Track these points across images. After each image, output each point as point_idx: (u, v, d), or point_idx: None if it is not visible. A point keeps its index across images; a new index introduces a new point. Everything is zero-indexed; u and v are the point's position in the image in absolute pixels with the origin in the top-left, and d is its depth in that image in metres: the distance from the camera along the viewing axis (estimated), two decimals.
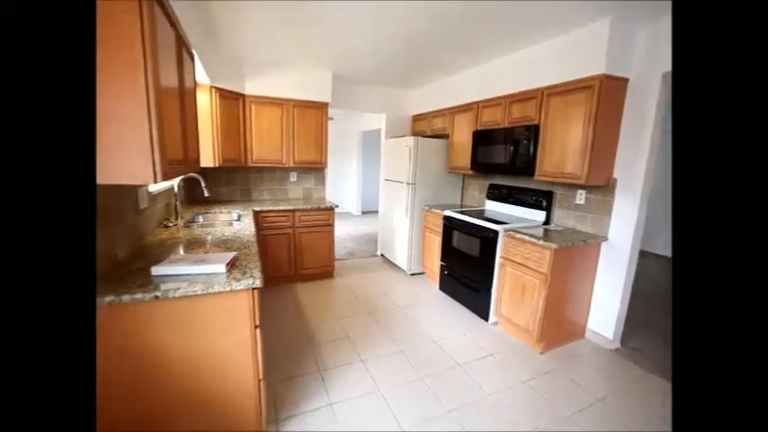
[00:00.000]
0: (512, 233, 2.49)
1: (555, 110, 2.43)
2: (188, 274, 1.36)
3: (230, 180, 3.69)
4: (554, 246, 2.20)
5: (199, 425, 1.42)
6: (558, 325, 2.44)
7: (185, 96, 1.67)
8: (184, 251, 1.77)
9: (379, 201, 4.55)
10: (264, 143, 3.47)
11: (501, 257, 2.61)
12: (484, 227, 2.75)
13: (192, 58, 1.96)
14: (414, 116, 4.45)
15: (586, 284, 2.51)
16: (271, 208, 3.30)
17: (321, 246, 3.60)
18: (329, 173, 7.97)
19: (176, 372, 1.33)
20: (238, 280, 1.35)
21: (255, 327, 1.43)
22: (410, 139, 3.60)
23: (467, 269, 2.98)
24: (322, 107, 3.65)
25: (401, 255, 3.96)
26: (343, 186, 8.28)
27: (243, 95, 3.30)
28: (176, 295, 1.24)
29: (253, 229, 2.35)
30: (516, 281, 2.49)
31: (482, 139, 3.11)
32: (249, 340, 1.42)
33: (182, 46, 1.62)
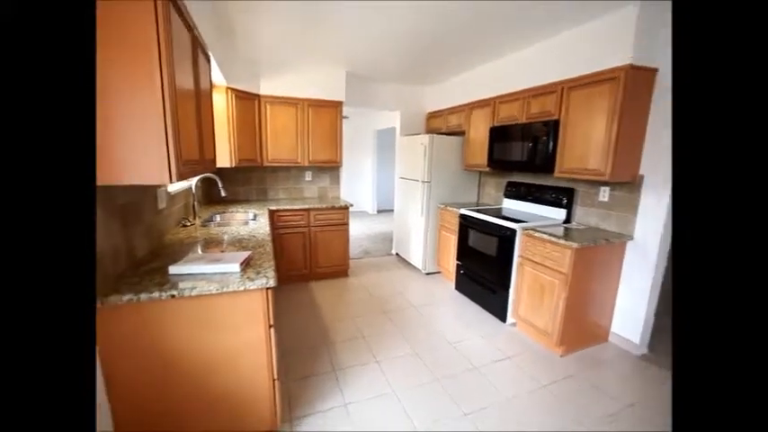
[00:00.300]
0: (530, 232, 2.41)
1: (576, 104, 2.32)
2: (203, 273, 1.38)
3: (246, 180, 3.74)
4: (575, 245, 2.11)
5: (213, 424, 1.44)
6: (580, 327, 2.34)
7: (201, 97, 1.69)
8: (201, 250, 1.79)
9: (395, 199, 4.52)
10: (279, 143, 3.49)
11: (519, 257, 2.54)
12: (501, 225, 2.68)
13: (208, 59, 1.99)
14: (429, 113, 4.39)
15: (610, 285, 2.40)
16: (286, 207, 3.32)
17: (336, 245, 3.61)
18: (344, 172, 8.01)
19: (191, 370, 1.35)
20: (252, 280, 1.35)
21: (270, 326, 1.43)
22: (425, 137, 3.55)
23: (484, 269, 2.92)
24: (336, 106, 3.65)
25: (416, 254, 3.92)
26: (358, 185, 8.29)
27: (258, 96, 3.33)
28: (192, 294, 1.26)
29: (267, 228, 2.37)
30: (535, 281, 2.41)
31: (499, 135, 3.03)
32: (263, 339, 1.43)
33: (197, 47, 1.63)
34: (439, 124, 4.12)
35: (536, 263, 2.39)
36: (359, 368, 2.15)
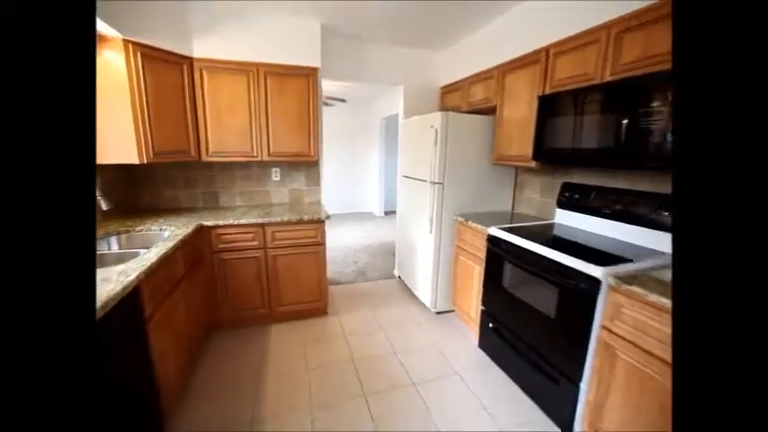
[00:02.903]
0: (635, 288, 1.23)
1: None
2: None
3: (190, 181, 2.72)
4: None
5: None
6: None
7: None
8: None
9: (397, 205, 3.39)
10: (224, 128, 2.44)
11: (604, 329, 1.37)
12: (569, 267, 1.50)
13: None
14: (443, 87, 3.21)
15: None
16: (229, 222, 2.27)
17: (307, 273, 2.54)
18: (345, 167, 6.92)
19: None
20: None
21: None
22: (436, 117, 2.40)
23: (531, 333, 1.76)
24: (308, 75, 2.55)
25: (423, 284, 2.79)
26: (363, 182, 7.20)
27: (189, 59, 2.28)
28: None
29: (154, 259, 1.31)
30: (636, 378, 1.24)
31: (555, 108, 1.84)
32: None
33: None
34: (457, 101, 2.94)
35: (642, 350, 1.22)
36: None
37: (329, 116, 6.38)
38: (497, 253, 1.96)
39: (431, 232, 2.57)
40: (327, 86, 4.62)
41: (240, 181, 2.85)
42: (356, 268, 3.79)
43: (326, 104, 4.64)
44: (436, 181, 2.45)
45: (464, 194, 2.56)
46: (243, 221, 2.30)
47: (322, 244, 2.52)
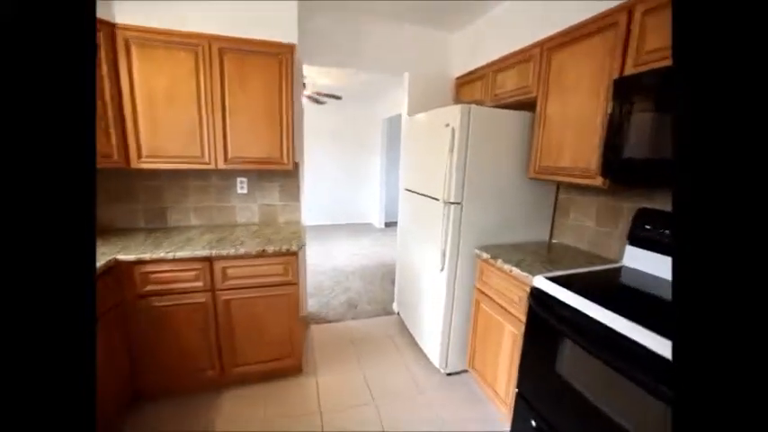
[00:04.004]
0: None
1: None
2: None
3: (129, 193, 2.08)
4: None
5: None
6: None
7: None
8: None
9: (398, 222, 2.73)
10: (162, 124, 1.79)
11: None
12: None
13: None
14: (459, 78, 2.55)
15: None
16: (159, 256, 1.61)
17: (273, 321, 1.87)
18: (344, 172, 6.26)
19: None
20: None
21: None
22: (454, 111, 1.73)
23: None
24: (280, 54, 1.89)
25: (430, 335, 2.11)
26: (362, 191, 6.54)
27: (109, 25, 1.64)
28: None
29: None
30: None
31: (642, 96, 1.17)
32: None
33: None
34: (478, 95, 2.27)
35: None
36: None
37: (322, 115, 5.76)
38: (547, 320, 1.27)
39: (442, 270, 1.89)
40: (315, 78, 3.98)
41: (195, 194, 2.20)
42: (346, 299, 3.11)
43: (317, 102, 4.00)
44: (452, 201, 1.78)
45: (489, 218, 1.88)
46: (181, 254, 1.64)
47: (294, 283, 1.85)
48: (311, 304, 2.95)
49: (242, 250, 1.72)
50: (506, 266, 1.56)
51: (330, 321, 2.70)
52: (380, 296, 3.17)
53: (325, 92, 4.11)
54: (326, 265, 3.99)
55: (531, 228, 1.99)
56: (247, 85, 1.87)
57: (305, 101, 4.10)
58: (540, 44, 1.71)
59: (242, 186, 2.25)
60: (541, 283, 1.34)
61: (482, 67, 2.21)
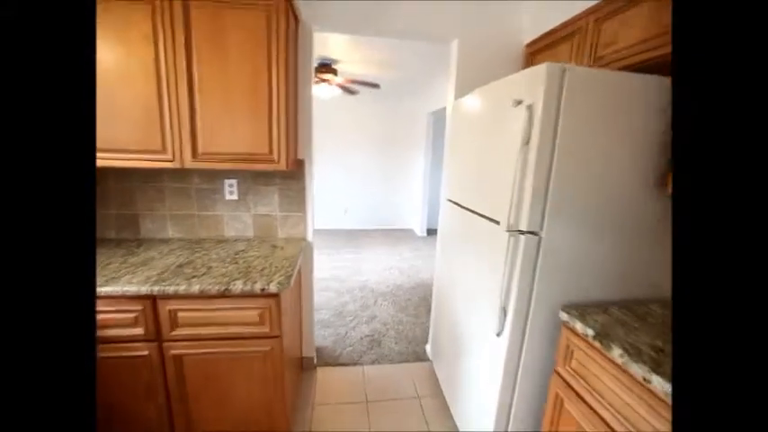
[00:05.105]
0: None
1: None
2: None
3: (101, 195, 1.67)
4: None
5: None
6: None
7: None
8: None
9: (437, 248, 2.04)
10: (107, 106, 1.31)
11: None
12: None
13: None
14: (532, 43, 1.78)
15: None
16: None
17: (243, 388, 1.31)
18: (380, 173, 5.64)
19: None
20: None
21: None
22: (535, 76, 1.02)
23: None
24: (270, 5, 1.32)
25: (476, 416, 1.40)
26: (403, 193, 5.90)
27: None
28: None
29: None
30: None
31: None
32: None
33: None
34: (565, 62, 1.50)
35: None
36: None
37: (356, 107, 5.21)
38: None
39: (499, 334, 1.18)
40: (347, 66, 3.39)
41: (172, 198, 1.73)
42: (370, 331, 2.49)
43: (350, 92, 3.43)
44: (525, 230, 1.06)
45: (589, 258, 1.13)
46: (108, 290, 1.14)
47: (274, 336, 1.27)
48: (326, 335, 2.39)
49: (195, 287, 1.17)
50: (633, 368, 0.81)
51: (343, 364, 2.11)
52: (411, 332, 2.50)
53: (360, 79, 3.53)
54: (354, 281, 3.41)
55: (667, 274, 1.19)
56: (223, 51, 1.32)
57: (336, 91, 3.55)
58: None
59: (231, 191, 1.74)
60: None
61: (574, 18, 1.44)
